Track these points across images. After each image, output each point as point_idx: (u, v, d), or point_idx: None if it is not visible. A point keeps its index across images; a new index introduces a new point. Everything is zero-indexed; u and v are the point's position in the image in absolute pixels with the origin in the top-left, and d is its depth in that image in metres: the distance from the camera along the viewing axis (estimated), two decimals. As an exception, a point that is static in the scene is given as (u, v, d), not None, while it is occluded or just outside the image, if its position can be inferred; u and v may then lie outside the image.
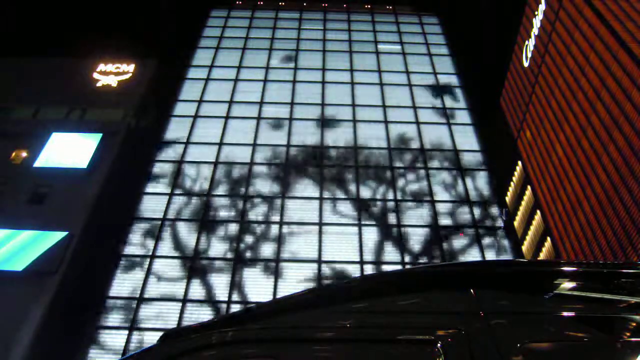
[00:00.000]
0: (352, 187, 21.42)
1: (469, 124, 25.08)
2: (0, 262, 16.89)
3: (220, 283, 18.01)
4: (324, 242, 19.22)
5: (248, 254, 18.83)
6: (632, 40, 19.15)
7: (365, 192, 21.21)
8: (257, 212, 20.41)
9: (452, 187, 21.63)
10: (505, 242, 19.71)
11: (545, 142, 25.74)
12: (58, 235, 17.41)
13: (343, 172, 21.98)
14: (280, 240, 19.25)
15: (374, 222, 20.07)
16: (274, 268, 18.24)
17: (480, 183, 21.84)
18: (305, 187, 21.43)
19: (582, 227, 21.12)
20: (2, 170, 20.16)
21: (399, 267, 18.29)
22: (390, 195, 21.12)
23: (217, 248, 19.09)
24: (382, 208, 20.65)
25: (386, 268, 18.80)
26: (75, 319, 16.83)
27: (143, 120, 24.28)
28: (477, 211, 20.66)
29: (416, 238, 19.55)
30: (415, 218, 20.27)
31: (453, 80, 28.17)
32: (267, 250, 19.00)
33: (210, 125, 24.57)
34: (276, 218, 20.09)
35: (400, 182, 21.71)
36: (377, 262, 18.73)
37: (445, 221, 20.16)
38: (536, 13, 28.51)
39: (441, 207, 20.71)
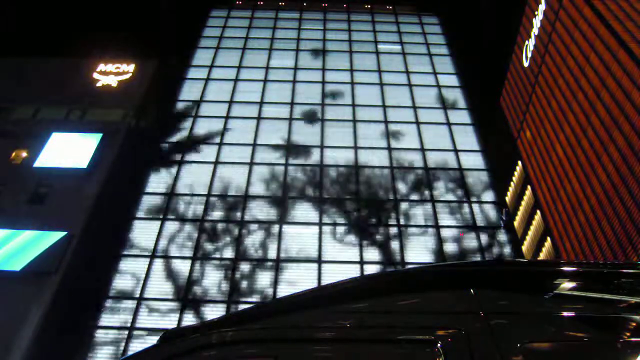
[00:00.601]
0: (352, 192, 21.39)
1: (469, 124, 25.08)
2: (1, 262, 16.89)
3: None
4: (323, 249, 19.23)
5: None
6: (632, 40, 19.14)
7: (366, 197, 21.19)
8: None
9: (453, 193, 21.61)
10: (505, 242, 19.70)
11: (545, 142, 25.73)
12: (57, 235, 17.40)
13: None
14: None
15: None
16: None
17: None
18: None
19: (582, 227, 21.11)
20: (2, 170, 20.16)
21: (398, 267, 18.29)
22: (391, 196, 21.11)
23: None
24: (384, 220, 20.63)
25: (386, 268, 18.79)
26: (75, 319, 16.82)
27: (143, 120, 24.29)
28: (476, 209, 20.65)
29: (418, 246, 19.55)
30: (418, 218, 20.27)
31: (456, 88, 28.14)
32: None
33: (210, 125, 24.57)
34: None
35: (401, 185, 21.69)
36: (378, 263, 18.73)
37: (446, 222, 20.16)
38: (536, 13, 28.50)
39: (441, 207, 20.70)
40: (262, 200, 20.81)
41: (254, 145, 23.36)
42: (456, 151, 23.34)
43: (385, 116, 25.25)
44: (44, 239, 17.32)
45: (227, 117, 25.01)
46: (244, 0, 35.03)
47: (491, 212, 20.81)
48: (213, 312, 17.32)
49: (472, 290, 1.90)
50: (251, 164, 22.43)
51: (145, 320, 17.00)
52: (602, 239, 19.39)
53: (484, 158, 23.17)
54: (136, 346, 16.29)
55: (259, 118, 24.97)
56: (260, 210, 20.49)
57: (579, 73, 22.63)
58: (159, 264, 18.57)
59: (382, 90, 27.02)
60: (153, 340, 2.23)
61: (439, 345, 1.69)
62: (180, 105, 25.20)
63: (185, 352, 1.98)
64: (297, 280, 17.99)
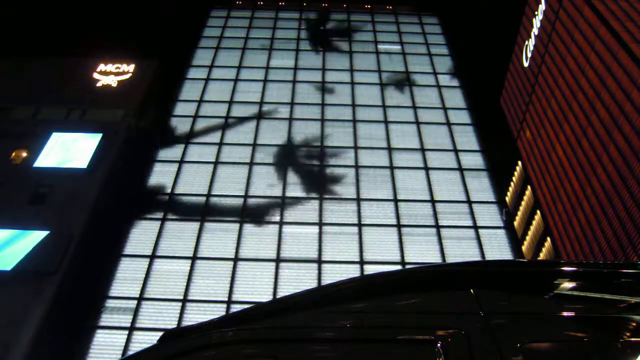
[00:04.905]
0: (352, 189, 21.40)
1: (469, 124, 25.07)
2: (1, 262, 16.89)
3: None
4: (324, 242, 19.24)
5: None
6: (632, 40, 19.14)
7: (366, 193, 21.20)
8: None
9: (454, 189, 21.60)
10: (505, 242, 19.70)
11: (545, 142, 25.74)
12: (52, 235, 17.37)
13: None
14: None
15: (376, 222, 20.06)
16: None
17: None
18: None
19: (582, 227, 21.11)
20: (2, 170, 20.16)
21: (399, 267, 18.28)
22: (391, 196, 21.11)
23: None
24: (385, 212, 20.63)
25: (386, 268, 18.79)
26: (75, 319, 16.82)
27: (143, 120, 24.28)
28: (477, 209, 20.64)
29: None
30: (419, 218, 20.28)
31: (456, 88, 28.14)
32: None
33: (210, 125, 24.56)
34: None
35: (401, 183, 21.68)
36: (377, 262, 18.72)
37: (447, 223, 20.15)
38: (536, 13, 28.50)
39: (441, 208, 20.70)
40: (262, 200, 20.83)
41: (254, 145, 23.36)
42: (456, 151, 23.33)
43: (385, 116, 25.25)
44: (40, 239, 17.28)
45: (227, 117, 25.01)
46: (244, 0, 35.03)
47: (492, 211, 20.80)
48: (213, 312, 17.32)
49: (472, 291, 1.91)
50: (251, 164, 22.42)
51: (145, 320, 17.00)
52: (602, 239, 19.39)
53: (484, 158, 23.16)
54: (136, 346, 16.29)
55: (259, 118, 24.97)
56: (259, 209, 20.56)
57: (579, 73, 22.63)
58: (159, 264, 18.56)
59: (382, 90, 27.02)
60: (153, 340, 2.22)
61: (439, 345, 1.69)
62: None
63: (185, 352, 1.98)
64: (297, 280, 18.05)
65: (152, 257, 18.73)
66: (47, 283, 16.23)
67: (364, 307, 2.05)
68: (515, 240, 20.23)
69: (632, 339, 1.70)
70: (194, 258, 18.71)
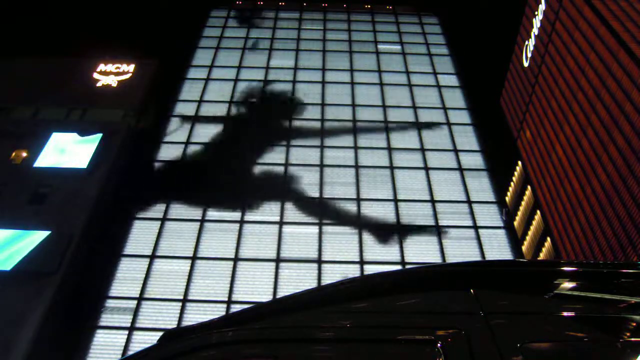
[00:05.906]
0: (352, 189, 21.40)
1: (469, 124, 25.07)
2: (1, 262, 16.89)
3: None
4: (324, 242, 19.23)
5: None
6: (632, 40, 19.14)
7: (366, 193, 21.20)
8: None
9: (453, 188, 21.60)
10: (505, 242, 19.70)
11: (545, 142, 25.74)
12: (52, 235, 17.36)
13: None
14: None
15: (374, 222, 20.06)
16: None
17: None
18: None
19: (582, 227, 21.11)
20: (2, 170, 20.16)
21: (399, 267, 18.28)
22: (391, 196, 21.11)
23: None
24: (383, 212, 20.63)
25: (386, 268, 18.78)
26: (75, 319, 16.82)
27: (143, 120, 24.28)
28: (477, 209, 20.64)
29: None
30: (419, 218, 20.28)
31: (456, 88, 28.14)
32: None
33: (209, 126, 24.56)
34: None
35: (401, 183, 21.68)
36: (377, 262, 18.72)
37: (446, 222, 20.15)
38: (536, 13, 28.50)
39: (441, 207, 20.69)
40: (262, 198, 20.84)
41: (254, 145, 23.36)
42: (456, 151, 23.33)
43: (385, 116, 25.24)
44: (38, 239, 17.27)
45: (227, 118, 25.00)
46: (244, 0, 35.02)
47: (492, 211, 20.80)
48: (213, 312, 17.31)
49: (471, 290, 1.90)
50: (251, 164, 22.42)
51: (145, 320, 16.99)
52: (602, 239, 19.39)
53: (484, 158, 23.16)
54: (136, 346, 16.28)
55: (259, 118, 24.96)
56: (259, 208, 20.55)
57: (579, 73, 22.63)
58: (159, 264, 18.56)
59: (382, 90, 27.01)
60: (153, 340, 2.22)
61: (439, 345, 1.69)
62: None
63: (185, 352, 1.98)
64: (297, 280, 18.05)
65: (152, 257, 18.72)
66: (47, 283, 16.23)
67: (364, 307, 2.05)
68: (515, 240, 20.23)
69: (632, 339, 1.70)
70: (194, 258, 18.70)
